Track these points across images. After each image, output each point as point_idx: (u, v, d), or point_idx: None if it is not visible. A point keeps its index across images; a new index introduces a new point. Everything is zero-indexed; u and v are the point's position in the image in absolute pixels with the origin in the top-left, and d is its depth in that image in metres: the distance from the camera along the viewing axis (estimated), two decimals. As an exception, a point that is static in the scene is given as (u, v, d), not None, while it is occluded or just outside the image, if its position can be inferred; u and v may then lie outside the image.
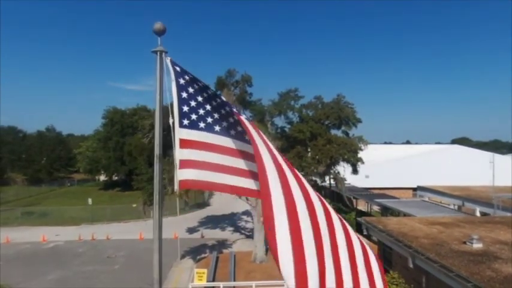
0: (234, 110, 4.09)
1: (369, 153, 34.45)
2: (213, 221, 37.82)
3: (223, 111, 3.99)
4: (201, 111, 3.98)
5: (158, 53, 3.95)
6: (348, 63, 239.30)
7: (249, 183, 3.95)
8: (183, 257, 26.57)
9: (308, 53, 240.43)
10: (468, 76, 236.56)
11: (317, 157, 25.38)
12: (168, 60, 3.97)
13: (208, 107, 3.98)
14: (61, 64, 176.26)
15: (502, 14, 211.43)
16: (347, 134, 27.75)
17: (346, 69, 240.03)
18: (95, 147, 65.93)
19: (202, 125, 3.96)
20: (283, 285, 18.45)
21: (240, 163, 3.96)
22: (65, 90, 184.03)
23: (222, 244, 29.94)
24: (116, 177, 69.47)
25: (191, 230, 35.00)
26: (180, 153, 3.87)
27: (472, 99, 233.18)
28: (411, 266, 14.58)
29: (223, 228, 35.53)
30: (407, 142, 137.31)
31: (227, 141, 3.98)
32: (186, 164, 3.88)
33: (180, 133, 3.88)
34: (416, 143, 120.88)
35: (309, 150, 27.00)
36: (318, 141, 25.71)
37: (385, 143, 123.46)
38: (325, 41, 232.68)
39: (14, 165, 74.81)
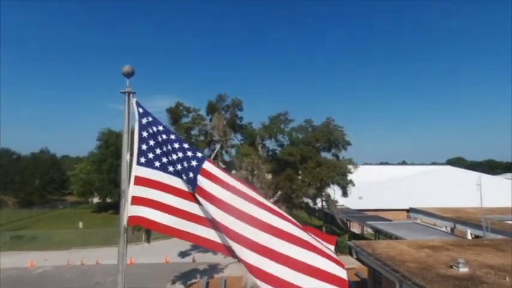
0: (198, 154, 4.13)
1: (363, 174, 34.47)
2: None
3: (180, 154, 4.06)
4: (158, 151, 4.12)
5: (126, 94, 4.15)
6: (343, 82, 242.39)
7: (203, 231, 3.91)
8: (173, 282, 26.14)
9: (301, 72, 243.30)
10: (463, 96, 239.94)
11: (307, 180, 25.53)
12: (134, 101, 4.17)
13: (165, 148, 4.10)
14: (57, 84, 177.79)
15: (497, 31, 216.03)
16: (337, 156, 28.02)
17: (341, 89, 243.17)
18: (88, 170, 65.66)
19: (157, 164, 4.08)
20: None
21: (195, 208, 3.96)
22: (60, 111, 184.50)
23: (213, 268, 29.51)
24: (110, 200, 68.91)
25: (183, 254, 34.51)
26: (133, 190, 3.99)
27: (467, 119, 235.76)
28: (399, 291, 14.44)
29: (215, 251, 35.05)
30: (404, 162, 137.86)
31: (181, 184, 4.03)
32: (138, 200, 3.98)
33: (136, 170, 4.03)
34: (412, 163, 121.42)
35: (299, 172, 27.12)
36: (308, 163, 25.86)
37: (381, 163, 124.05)
38: (320, 59, 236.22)
39: (6, 188, 74.17)
